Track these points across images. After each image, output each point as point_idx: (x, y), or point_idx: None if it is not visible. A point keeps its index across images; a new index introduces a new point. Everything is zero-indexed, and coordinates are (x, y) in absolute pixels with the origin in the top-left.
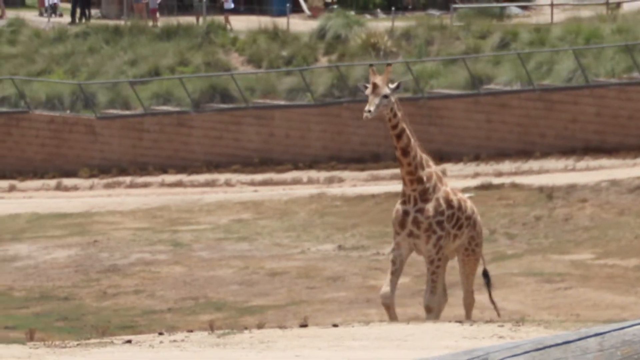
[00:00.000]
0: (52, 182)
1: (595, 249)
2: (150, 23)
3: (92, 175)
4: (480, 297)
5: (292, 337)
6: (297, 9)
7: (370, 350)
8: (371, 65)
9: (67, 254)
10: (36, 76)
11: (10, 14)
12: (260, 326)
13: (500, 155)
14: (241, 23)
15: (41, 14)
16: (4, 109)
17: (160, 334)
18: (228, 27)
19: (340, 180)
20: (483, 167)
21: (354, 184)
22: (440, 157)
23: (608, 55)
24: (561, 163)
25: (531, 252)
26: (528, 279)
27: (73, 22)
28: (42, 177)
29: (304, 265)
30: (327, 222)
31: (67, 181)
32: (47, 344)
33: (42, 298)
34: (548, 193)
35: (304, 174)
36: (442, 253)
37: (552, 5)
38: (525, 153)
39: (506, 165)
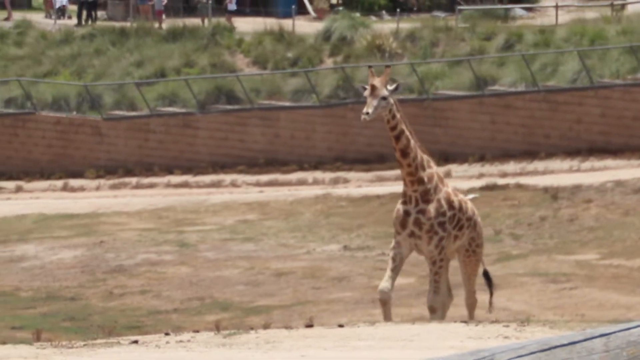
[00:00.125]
0: (59, 183)
1: (601, 250)
2: (156, 25)
3: (98, 176)
4: (484, 298)
5: (298, 337)
6: (302, 11)
7: (376, 350)
8: (370, 66)
9: (74, 254)
10: (42, 77)
11: (17, 15)
12: (266, 326)
13: (505, 156)
14: (247, 25)
15: (49, 16)
16: (10, 110)
17: (167, 334)
18: (231, 27)
19: (346, 181)
20: (488, 168)
21: (359, 184)
22: (445, 158)
23: (613, 57)
24: (566, 164)
25: (536, 253)
26: (533, 279)
27: (79, 24)
28: (48, 178)
29: (309, 265)
30: (332, 223)
31: (74, 182)
32: (54, 344)
33: (49, 298)
34: (553, 194)
35: (309, 175)
36: (444, 253)
37: (556, 6)
38: (530, 154)
39: (511, 166)
